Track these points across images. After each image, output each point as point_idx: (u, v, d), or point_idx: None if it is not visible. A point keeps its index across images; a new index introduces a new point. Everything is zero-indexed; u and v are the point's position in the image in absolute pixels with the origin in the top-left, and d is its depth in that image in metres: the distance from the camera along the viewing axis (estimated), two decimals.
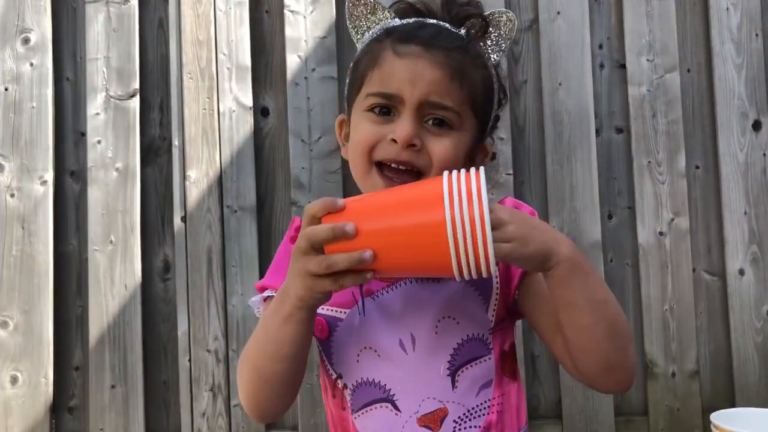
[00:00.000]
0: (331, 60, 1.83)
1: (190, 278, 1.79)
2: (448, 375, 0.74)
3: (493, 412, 0.76)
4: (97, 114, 1.83)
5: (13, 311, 1.78)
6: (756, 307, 1.80)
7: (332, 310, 0.79)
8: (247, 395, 0.79)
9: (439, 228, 0.62)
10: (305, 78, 1.83)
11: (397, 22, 0.82)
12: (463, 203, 0.62)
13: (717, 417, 0.75)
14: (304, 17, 1.83)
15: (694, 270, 1.82)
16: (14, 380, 1.77)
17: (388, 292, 0.78)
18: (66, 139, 1.88)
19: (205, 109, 1.82)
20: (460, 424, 0.74)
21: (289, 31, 1.83)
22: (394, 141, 0.76)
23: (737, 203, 1.82)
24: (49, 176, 1.82)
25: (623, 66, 1.85)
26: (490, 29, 0.81)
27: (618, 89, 1.86)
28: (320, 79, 1.82)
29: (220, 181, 1.81)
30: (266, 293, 0.83)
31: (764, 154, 1.82)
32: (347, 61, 1.84)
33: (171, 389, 1.82)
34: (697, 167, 1.85)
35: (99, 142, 1.82)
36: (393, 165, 0.78)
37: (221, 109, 1.82)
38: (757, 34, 1.84)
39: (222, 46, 1.83)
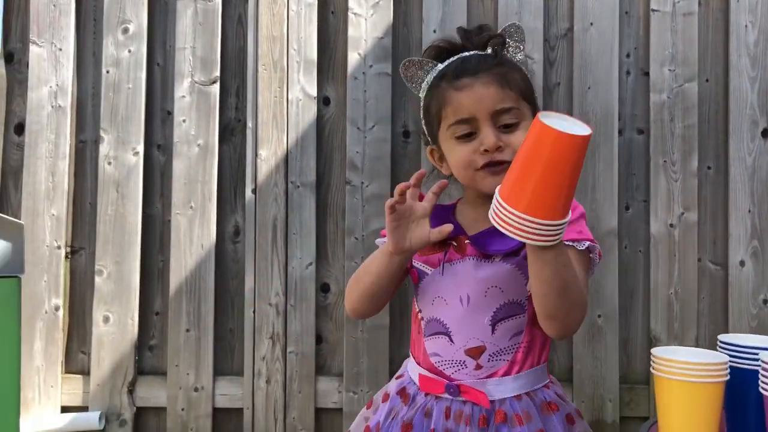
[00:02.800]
0: (387, 58, 2.08)
1: (258, 242, 2.08)
2: (489, 324, 1.01)
3: (519, 352, 1.01)
4: (183, 97, 2.11)
5: (107, 261, 2.09)
6: (753, 296, 2.02)
7: (423, 266, 1.07)
8: (349, 298, 1.11)
9: None
10: (363, 73, 2.08)
11: (441, 66, 1.06)
12: None
13: (657, 351, 0.95)
14: (365, 19, 2.08)
15: (699, 259, 2.04)
16: (106, 319, 2.08)
17: (459, 262, 1.04)
18: (155, 117, 2.17)
19: (276, 96, 2.09)
20: (492, 357, 1.00)
21: (351, 31, 2.08)
22: (486, 151, 1.00)
23: (742, 202, 2.03)
24: (140, 148, 2.12)
25: (647, 74, 2.06)
26: (507, 40, 1.05)
27: (641, 95, 2.08)
28: (376, 74, 2.08)
29: (286, 159, 2.08)
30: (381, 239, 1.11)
31: None
32: (401, 59, 2.09)
33: (236, 336, 2.12)
34: (709, 168, 2.06)
35: (184, 121, 2.11)
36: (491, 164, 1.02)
37: (290, 98, 2.09)
38: None
39: (293, 41, 2.09)
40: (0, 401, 0.96)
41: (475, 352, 1.01)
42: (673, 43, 2.04)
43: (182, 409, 2.06)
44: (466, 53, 1.05)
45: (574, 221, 1.01)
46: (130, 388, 2.07)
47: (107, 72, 2.12)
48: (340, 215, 2.11)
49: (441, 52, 1.08)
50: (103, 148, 2.11)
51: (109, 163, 2.11)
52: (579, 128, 0.88)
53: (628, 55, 2.09)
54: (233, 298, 2.12)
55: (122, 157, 2.11)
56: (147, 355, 2.14)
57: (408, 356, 1.12)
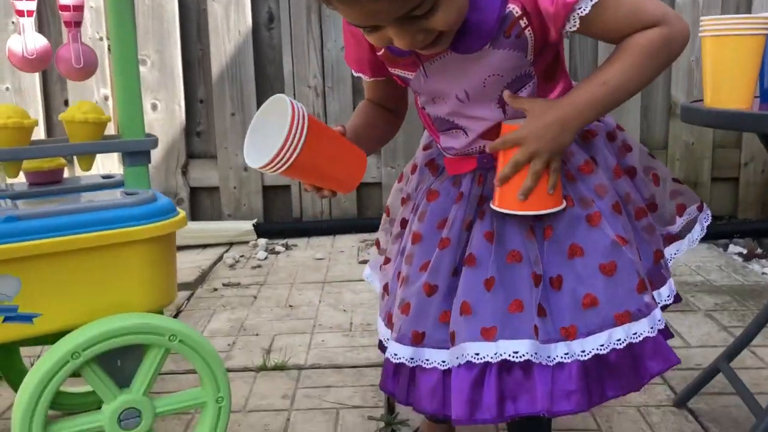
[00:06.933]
0: None
1: (293, 28, 2.14)
2: (498, 107, 0.89)
3: None
4: None
5: (149, 51, 2.17)
6: None
7: (402, 72, 0.92)
8: None
9: None
10: None
11: None
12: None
13: (705, 18, 1.04)
14: None
15: None
16: (154, 107, 2.20)
17: (442, 58, 0.87)
18: None
19: None
20: None
21: None
22: None
23: None
24: None
25: None
26: None
27: None
28: None
29: None
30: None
31: None
32: None
33: None
34: None
35: None
36: None
37: None
38: None
39: None
40: (127, 107, 1.00)
41: (492, 135, 0.91)
42: None
43: (234, 188, 2.23)
44: None
45: None
46: (184, 170, 2.23)
47: None
48: None
49: None
50: None
51: None
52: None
53: None
54: (272, 82, 2.22)
55: None
56: (195, 141, 2.27)
57: None
